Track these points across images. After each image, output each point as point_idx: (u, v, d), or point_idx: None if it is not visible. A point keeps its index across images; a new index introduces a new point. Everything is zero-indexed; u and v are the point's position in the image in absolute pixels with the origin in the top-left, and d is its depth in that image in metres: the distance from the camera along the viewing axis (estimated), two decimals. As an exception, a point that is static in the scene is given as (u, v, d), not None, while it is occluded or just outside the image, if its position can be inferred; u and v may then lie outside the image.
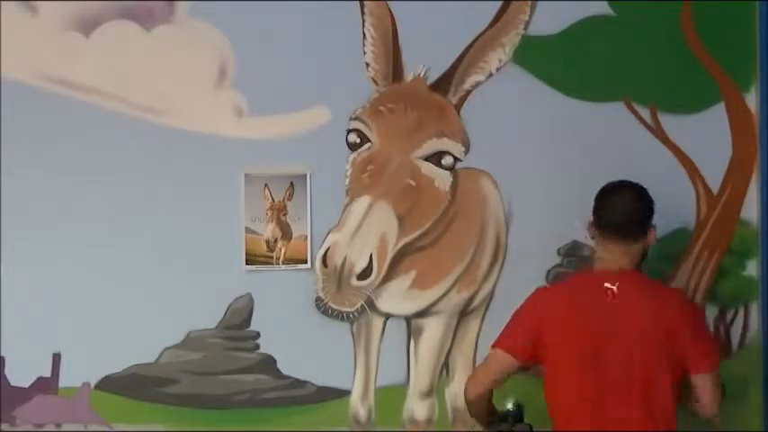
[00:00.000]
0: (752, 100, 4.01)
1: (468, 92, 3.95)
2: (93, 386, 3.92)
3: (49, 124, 3.94)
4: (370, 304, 3.92)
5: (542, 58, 3.97)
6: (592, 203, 3.55)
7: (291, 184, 3.95)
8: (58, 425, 3.92)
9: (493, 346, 3.57)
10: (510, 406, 3.57)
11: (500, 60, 3.96)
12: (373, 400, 3.96)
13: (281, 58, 3.95)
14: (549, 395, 3.52)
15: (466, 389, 3.62)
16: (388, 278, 3.92)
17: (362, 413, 3.96)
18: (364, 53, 3.95)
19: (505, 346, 3.54)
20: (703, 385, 3.48)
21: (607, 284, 3.46)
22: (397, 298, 3.93)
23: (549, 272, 3.97)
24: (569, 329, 3.45)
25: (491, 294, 3.98)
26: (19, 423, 3.91)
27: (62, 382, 3.92)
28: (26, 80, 3.93)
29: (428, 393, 3.96)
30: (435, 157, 3.92)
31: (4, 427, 3.88)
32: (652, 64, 3.98)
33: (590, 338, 3.42)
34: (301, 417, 3.94)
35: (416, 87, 3.95)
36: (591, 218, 3.56)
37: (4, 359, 3.91)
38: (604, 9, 3.98)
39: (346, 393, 3.96)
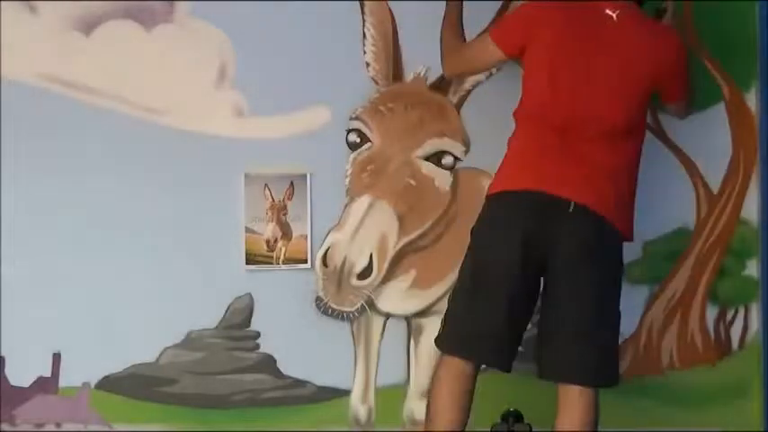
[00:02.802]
0: (752, 100, 4.01)
1: (469, 92, 3.95)
2: (93, 386, 3.92)
3: (49, 124, 3.94)
4: (370, 304, 3.92)
5: (542, 57, 3.97)
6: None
7: (291, 184, 3.95)
8: (58, 425, 3.92)
9: (490, 34, 3.60)
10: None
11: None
12: (373, 400, 3.96)
13: (281, 58, 3.95)
14: (524, 101, 3.53)
15: (447, 61, 3.77)
16: (388, 278, 3.92)
17: (362, 413, 3.96)
18: (364, 53, 3.95)
19: (498, 41, 3.56)
20: (675, 110, 3.75)
21: (608, 11, 3.47)
22: (398, 298, 3.94)
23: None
24: (558, 38, 3.46)
25: (491, 294, 3.97)
26: (19, 423, 3.91)
27: (62, 382, 3.92)
28: (26, 80, 3.93)
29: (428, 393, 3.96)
30: (436, 157, 3.92)
31: (4, 427, 3.88)
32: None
33: (576, 54, 3.44)
34: (301, 417, 3.94)
35: (417, 87, 3.95)
36: None
37: (4, 359, 3.91)
38: (604, 9, 3.98)
39: (346, 393, 3.96)
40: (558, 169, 3.39)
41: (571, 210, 3.35)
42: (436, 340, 3.51)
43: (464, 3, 3.84)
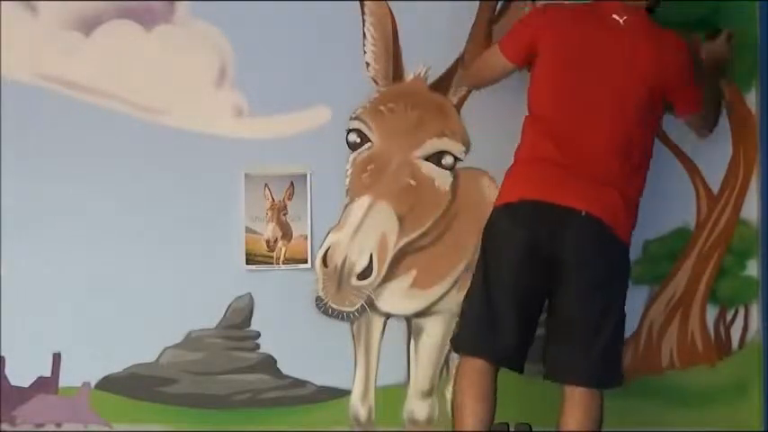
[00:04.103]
0: (752, 100, 4.01)
1: (469, 92, 3.95)
2: (93, 386, 3.92)
3: (49, 124, 3.94)
4: (371, 304, 3.92)
5: (542, 57, 3.97)
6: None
7: (291, 183, 3.95)
8: (58, 425, 3.92)
9: (498, 44, 3.64)
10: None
11: (500, 60, 3.96)
12: (373, 400, 3.96)
13: (281, 58, 3.96)
14: (529, 104, 3.58)
15: (463, 75, 3.81)
16: (388, 278, 3.91)
17: (362, 413, 3.96)
18: (364, 53, 3.95)
19: (505, 51, 3.60)
20: (691, 121, 3.76)
21: (615, 16, 3.50)
22: (398, 298, 3.93)
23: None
24: (563, 43, 3.50)
25: (491, 294, 3.97)
26: (19, 423, 3.91)
27: (62, 382, 3.92)
28: (26, 80, 3.94)
29: (428, 393, 3.96)
30: (435, 157, 3.92)
31: (4, 427, 3.88)
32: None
33: (580, 59, 3.47)
34: (301, 417, 3.94)
35: (417, 87, 3.95)
36: None
37: (4, 359, 3.92)
38: (604, 9, 3.98)
39: (346, 393, 3.96)
40: (562, 179, 3.43)
41: (574, 217, 3.38)
42: (451, 340, 3.59)
43: (464, 3, 3.84)
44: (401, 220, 3.92)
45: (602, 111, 3.45)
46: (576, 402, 3.40)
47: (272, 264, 3.94)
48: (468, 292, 3.56)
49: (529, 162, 3.51)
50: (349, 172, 3.94)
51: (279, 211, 3.94)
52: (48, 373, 3.92)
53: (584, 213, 3.38)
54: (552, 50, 3.51)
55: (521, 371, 3.48)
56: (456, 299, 3.93)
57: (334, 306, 3.91)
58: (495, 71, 3.68)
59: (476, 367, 3.45)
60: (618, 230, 3.44)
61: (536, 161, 3.48)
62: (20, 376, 3.92)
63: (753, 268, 4.02)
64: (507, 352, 3.43)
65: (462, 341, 3.52)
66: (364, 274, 3.89)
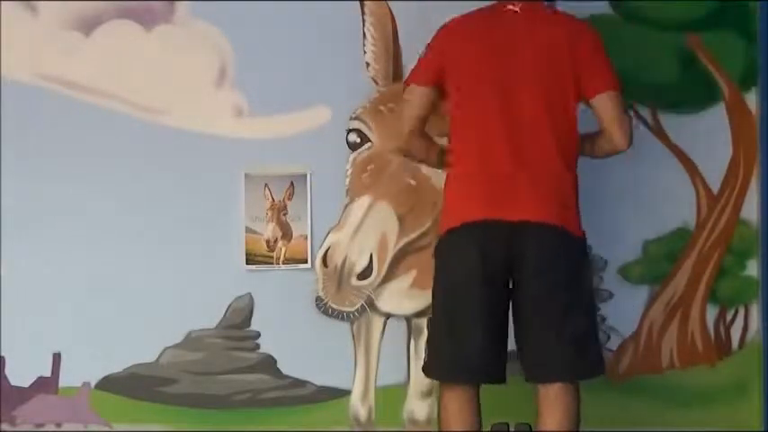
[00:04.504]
0: (752, 100, 4.01)
1: (469, 91, 3.94)
2: (93, 386, 3.92)
3: (49, 124, 3.94)
4: (371, 304, 3.92)
5: (542, 57, 3.96)
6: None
7: (291, 183, 3.95)
8: (58, 425, 3.93)
9: (406, 83, 3.57)
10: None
11: (500, 60, 3.95)
12: (373, 400, 3.96)
13: (281, 58, 3.96)
14: (452, 120, 3.49)
15: (405, 143, 3.61)
16: (388, 278, 3.92)
17: (362, 413, 3.96)
18: (364, 53, 3.96)
19: (415, 81, 3.52)
20: (604, 106, 3.38)
21: (509, 6, 3.43)
22: (398, 297, 3.94)
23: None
24: (471, 57, 3.43)
25: (491, 294, 3.97)
26: (19, 423, 3.91)
27: (62, 382, 3.93)
28: (26, 80, 3.94)
29: (428, 393, 3.95)
30: (436, 157, 3.92)
31: (4, 426, 3.88)
32: (652, 63, 3.98)
33: (496, 64, 3.39)
34: (301, 417, 3.95)
35: (417, 87, 3.94)
36: None
37: (4, 359, 3.92)
38: (605, 9, 3.98)
39: (346, 393, 3.96)
40: (504, 191, 3.35)
41: (524, 227, 3.31)
42: (423, 369, 3.49)
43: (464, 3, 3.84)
44: (401, 220, 3.92)
45: (528, 109, 3.37)
46: (552, 401, 3.32)
47: (272, 264, 3.94)
48: (430, 317, 3.48)
49: (467, 177, 3.43)
50: (349, 172, 3.94)
51: (279, 211, 3.95)
52: (48, 373, 3.92)
53: (531, 222, 3.32)
54: (463, 67, 3.43)
55: (502, 382, 3.41)
56: (456, 299, 3.94)
57: (334, 306, 3.92)
58: (417, 106, 3.53)
59: (455, 394, 3.38)
60: (569, 226, 3.37)
61: (473, 176, 3.40)
62: (20, 376, 3.92)
63: (753, 268, 4.02)
64: (480, 369, 3.36)
65: (434, 368, 3.44)
66: (364, 274, 3.89)
